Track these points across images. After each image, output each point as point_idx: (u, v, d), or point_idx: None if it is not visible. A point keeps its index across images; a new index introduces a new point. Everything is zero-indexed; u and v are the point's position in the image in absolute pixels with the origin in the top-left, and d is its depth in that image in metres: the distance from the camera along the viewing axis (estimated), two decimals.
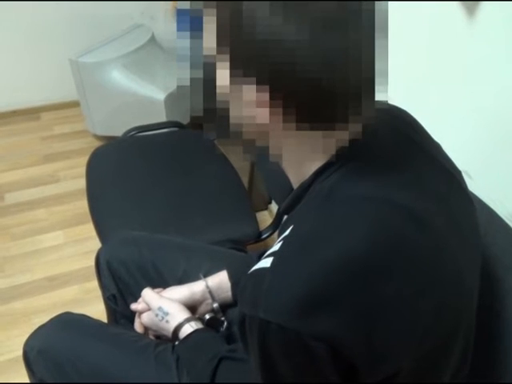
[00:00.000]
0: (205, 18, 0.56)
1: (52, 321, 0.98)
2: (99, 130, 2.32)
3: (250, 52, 0.52)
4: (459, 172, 0.73)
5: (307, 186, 0.62)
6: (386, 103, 0.72)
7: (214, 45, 0.55)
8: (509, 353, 0.78)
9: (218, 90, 0.57)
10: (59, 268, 1.82)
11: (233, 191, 1.49)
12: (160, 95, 2.08)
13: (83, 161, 1.70)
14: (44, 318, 1.62)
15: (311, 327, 0.51)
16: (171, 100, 2.09)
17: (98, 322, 1.00)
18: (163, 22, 2.43)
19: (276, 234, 1.41)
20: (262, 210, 2.02)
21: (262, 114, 0.56)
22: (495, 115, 0.91)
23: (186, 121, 2.05)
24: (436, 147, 0.73)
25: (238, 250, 1.29)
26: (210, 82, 0.57)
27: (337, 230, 0.55)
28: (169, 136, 1.75)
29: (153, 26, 2.39)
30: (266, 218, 2.00)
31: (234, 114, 0.59)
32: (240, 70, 0.54)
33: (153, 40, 2.31)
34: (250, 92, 0.55)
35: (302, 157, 0.62)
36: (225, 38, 0.54)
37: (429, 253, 0.58)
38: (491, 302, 0.80)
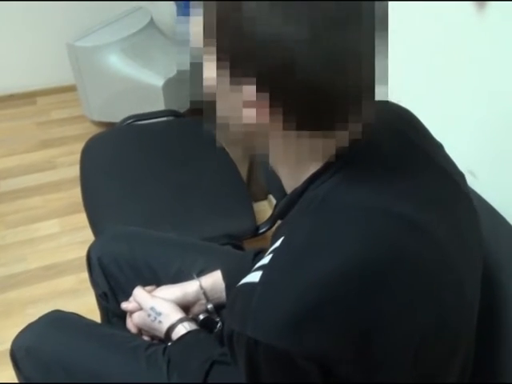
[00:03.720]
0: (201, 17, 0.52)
1: (41, 319, 0.96)
2: (97, 116, 2.28)
3: (250, 53, 0.50)
4: (462, 175, 0.70)
5: (301, 191, 0.59)
6: (387, 102, 0.69)
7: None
8: None
9: (209, 90, 0.55)
10: (55, 257, 1.80)
11: (230, 184, 1.45)
12: (158, 81, 2.03)
13: (80, 147, 1.67)
14: (39, 309, 1.60)
15: (301, 346, 0.49)
16: (170, 86, 2.05)
17: (88, 322, 0.97)
18: (163, 5, 2.37)
19: (273, 229, 1.39)
20: (261, 200, 1.99)
21: (262, 115, 0.53)
22: (501, 113, 0.88)
23: (184, 107, 2.01)
24: (438, 148, 0.70)
25: (235, 245, 1.26)
26: None
27: (330, 242, 0.52)
28: (166, 125, 1.71)
29: (152, 9, 2.32)
30: (265, 209, 1.97)
31: (232, 115, 0.56)
32: (239, 70, 0.51)
33: (152, 23, 2.26)
34: (250, 93, 0.52)
35: (299, 160, 0.59)
36: (222, 38, 0.51)
37: (428, 265, 0.55)
38: (494, 307, 0.78)
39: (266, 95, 0.51)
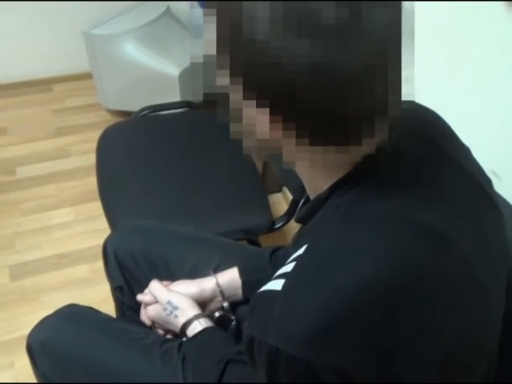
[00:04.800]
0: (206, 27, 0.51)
1: (57, 313, 0.96)
2: (112, 104, 2.28)
3: (262, 75, 0.49)
4: (489, 180, 0.68)
5: (324, 199, 0.58)
6: (412, 103, 0.67)
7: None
8: None
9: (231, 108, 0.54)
10: (69, 246, 1.81)
11: (246, 177, 1.44)
12: (174, 71, 2.02)
13: (95, 135, 1.66)
14: (54, 297, 1.65)
15: (323, 358, 0.48)
16: (186, 76, 2.03)
17: (103, 316, 0.97)
18: None
19: (290, 224, 1.38)
20: (276, 192, 1.98)
21: (276, 134, 0.53)
22: None
23: (199, 98, 1.99)
24: (464, 153, 0.68)
25: (250, 240, 1.25)
26: None
27: (355, 255, 0.51)
28: (182, 117, 1.70)
29: None
30: (279, 201, 1.96)
31: (246, 131, 0.56)
32: (253, 93, 0.50)
33: (168, 12, 2.24)
34: (263, 115, 0.51)
35: (317, 170, 0.58)
36: (235, 56, 0.50)
37: (454, 280, 0.53)
38: None
39: (280, 117, 0.51)
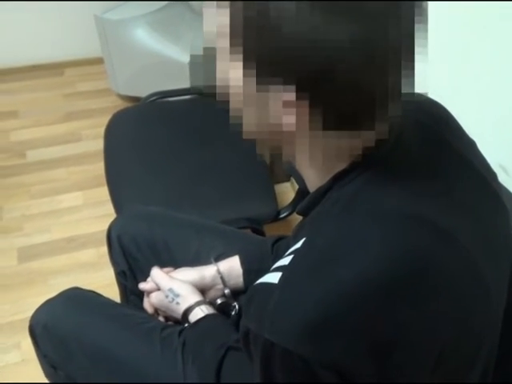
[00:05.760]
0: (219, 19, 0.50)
1: (60, 295, 0.97)
2: (122, 90, 2.28)
3: (286, 58, 0.47)
4: (494, 175, 0.67)
5: (325, 190, 0.57)
6: (420, 96, 0.66)
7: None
8: None
9: (235, 98, 0.53)
10: (77, 229, 1.82)
11: (253, 165, 1.43)
12: (185, 57, 2.00)
13: (105, 120, 1.67)
14: (60, 280, 1.66)
15: (319, 354, 0.47)
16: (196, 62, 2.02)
17: (105, 300, 0.98)
18: None
19: (295, 214, 1.37)
20: (284, 181, 1.97)
21: (289, 122, 0.51)
22: None
23: (211, 90, 1.99)
24: (470, 146, 0.67)
25: (255, 229, 1.25)
26: None
27: (354, 248, 0.50)
28: (190, 103, 1.70)
29: None
30: (287, 190, 1.95)
31: (258, 122, 0.54)
32: (267, 78, 0.49)
33: None
34: (277, 100, 0.50)
35: (325, 159, 0.57)
36: (250, 42, 0.48)
37: (455, 274, 0.53)
38: None
39: (306, 102, 0.49)
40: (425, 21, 0.48)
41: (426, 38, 0.49)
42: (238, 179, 1.40)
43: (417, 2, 0.48)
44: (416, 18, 0.47)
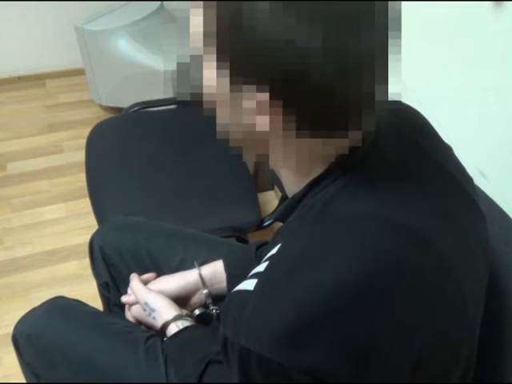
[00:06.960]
0: (192, 19, 0.50)
1: (44, 305, 0.95)
2: (105, 101, 2.27)
3: (259, 58, 0.47)
4: (470, 180, 0.68)
5: (300, 197, 0.57)
6: (396, 102, 0.67)
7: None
8: None
9: (208, 98, 0.53)
10: (60, 242, 1.80)
11: (236, 174, 1.43)
12: (167, 67, 2.01)
13: (88, 131, 1.65)
14: (43, 293, 1.64)
15: (296, 360, 0.47)
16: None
17: (90, 309, 0.96)
18: None
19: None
20: (268, 190, 1.98)
21: (262, 122, 0.51)
22: None
23: (185, 98, 1.99)
24: (446, 152, 0.67)
25: (239, 238, 1.25)
26: None
27: (327, 255, 0.50)
28: (173, 113, 1.69)
29: None
30: (271, 199, 1.95)
31: (231, 122, 0.54)
32: (241, 77, 0.49)
33: (162, 8, 2.23)
34: (250, 100, 0.50)
35: (299, 164, 0.57)
36: (223, 41, 0.48)
37: (430, 279, 0.53)
38: (501, 311, 0.76)
39: (280, 102, 0.49)
40: (398, 28, 0.49)
41: (399, 45, 0.50)
42: (221, 188, 1.39)
43: (391, 10, 0.48)
44: (390, 25, 0.48)
